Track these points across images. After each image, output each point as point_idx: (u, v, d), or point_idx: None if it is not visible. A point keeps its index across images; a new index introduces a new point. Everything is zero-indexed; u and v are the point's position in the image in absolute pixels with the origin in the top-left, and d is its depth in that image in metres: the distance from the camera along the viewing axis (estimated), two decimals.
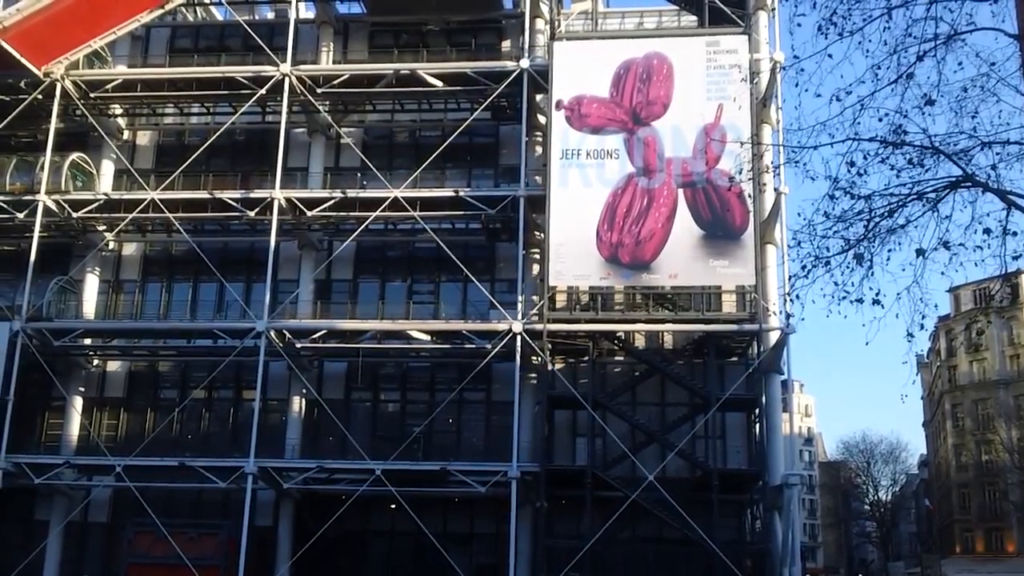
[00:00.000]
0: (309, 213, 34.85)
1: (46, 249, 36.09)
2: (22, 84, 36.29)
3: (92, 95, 36.91)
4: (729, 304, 33.80)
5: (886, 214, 10.78)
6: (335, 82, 35.72)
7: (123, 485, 33.30)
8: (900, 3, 10.76)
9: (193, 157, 36.05)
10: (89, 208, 35.88)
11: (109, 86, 36.81)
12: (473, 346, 33.33)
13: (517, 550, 31.14)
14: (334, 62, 38.21)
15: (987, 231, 10.50)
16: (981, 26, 10.67)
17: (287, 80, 35.09)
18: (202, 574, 31.31)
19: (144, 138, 40.52)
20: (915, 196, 10.71)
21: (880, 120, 10.89)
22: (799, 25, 11.40)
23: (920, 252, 10.49)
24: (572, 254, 32.34)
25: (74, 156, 37.22)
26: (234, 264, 37.49)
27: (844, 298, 10.85)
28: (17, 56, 34.65)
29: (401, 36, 39.65)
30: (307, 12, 39.53)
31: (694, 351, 34.24)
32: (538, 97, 35.61)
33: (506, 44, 38.63)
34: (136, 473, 33.35)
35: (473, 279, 34.22)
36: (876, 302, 10.61)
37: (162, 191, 35.49)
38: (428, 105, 37.94)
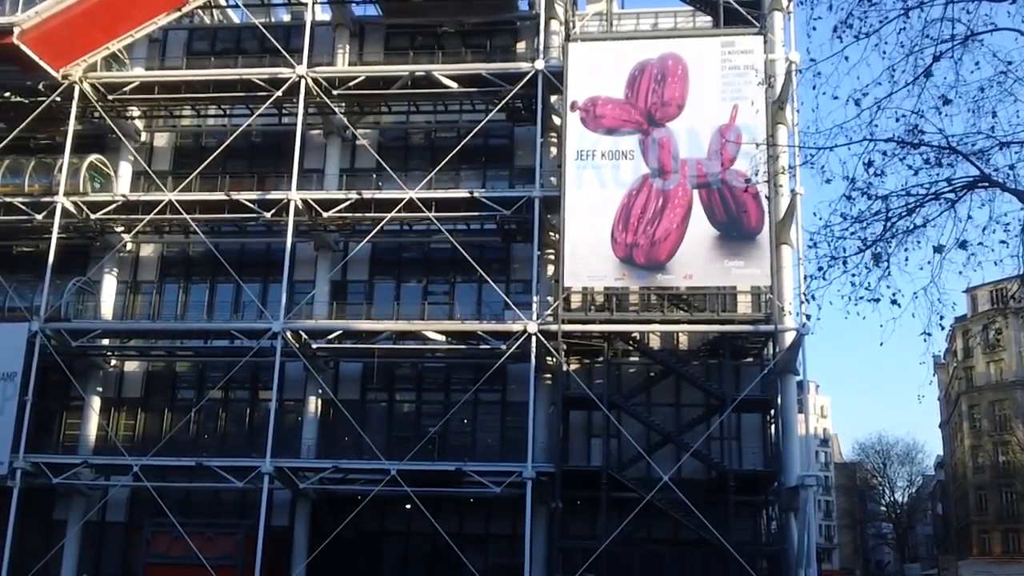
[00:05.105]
0: (325, 214, 34.99)
1: (64, 250, 36.34)
2: (40, 86, 36.61)
3: (110, 97, 37.18)
4: (744, 305, 33.80)
5: (904, 214, 10.78)
6: (351, 84, 35.85)
7: (140, 485, 33.57)
8: (916, 4, 10.75)
9: (210, 159, 36.22)
10: (107, 209, 36.12)
11: (127, 88, 37.05)
12: (488, 347, 33.40)
13: (532, 551, 31.18)
14: (350, 64, 38.37)
15: (1006, 228, 10.51)
16: (999, 27, 10.67)
17: (303, 82, 35.25)
18: (219, 574, 31.47)
19: (161, 140, 40.80)
20: (932, 196, 10.72)
21: (897, 120, 10.90)
22: (815, 29, 11.42)
23: (938, 249, 10.49)
24: (587, 255, 32.36)
25: (92, 158, 37.46)
26: (251, 265, 37.68)
27: (861, 298, 10.86)
28: (35, 59, 34.94)
29: (416, 38, 39.77)
30: (323, 14, 39.69)
31: (709, 352, 34.19)
32: (553, 98, 35.65)
33: (521, 46, 38.70)
34: (153, 473, 33.61)
35: (488, 280, 34.30)
36: (894, 302, 10.61)
37: (179, 193, 35.71)
38: (443, 106, 38.06)
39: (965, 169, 10.80)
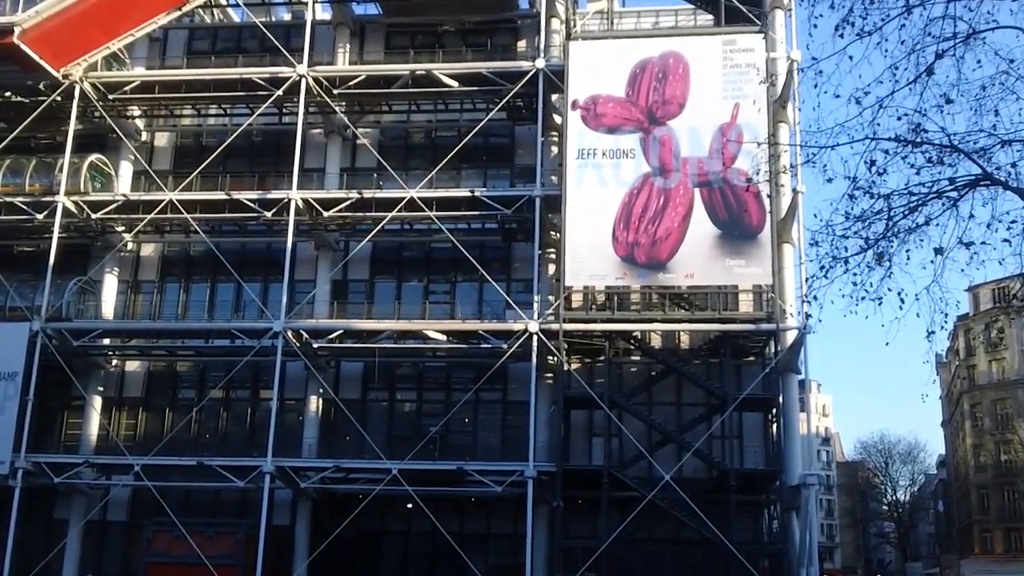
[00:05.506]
0: (326, 214, 34.96)
1: (65, 250, 36.33)
2: (41, 86, 36.62)
3: (110, 97, 37.16)
4: (746, 304, 33.72)
5: (906, 212, 10.75)
6: (351, 83, 35.81)
7: (142, 484, 33.56)
8: (918, 2, 10.71)
9: (211, 158, 36.21)
10: (108, 209, 36.11)
11: (127, 88, 37.04)
12: (489, 346, 33.36)
13: (533, 550, 31.15)
14: (350, 63, 38.34)
15: (1009, 227, 10.48)
16: (1001, 25, 10.62)
17: (304, 81, 35.21)
18: (220, 573, 31.48)
19: (162, 139, 40.78)
20: (935, 195, 10.68)
21: (899, 119, 10.86)
22: (816, 27, 11.37)
23: (939, 251, 10.45)
24: (588, 254, 32.31)
25: (93, 157, 37.44)
26: (251, 264, 37.66)
27: (864, 298, 10.83)
28: (36, 58, 34.92)
29: (417, 37, 39.72)
30: (323, 13, 39.61)
31: (710, 351, 34.16)
32: (554, 97, 35.59)
33: (522, 44, 38.66)
34: (154, 472, 33.58)
35: (489, 279, 34.28)
36: (902, 301, 10.59)
37: (180, 192, 35.70)
38: (444, 105, 38.01)
39: (967, 168, 10.78)
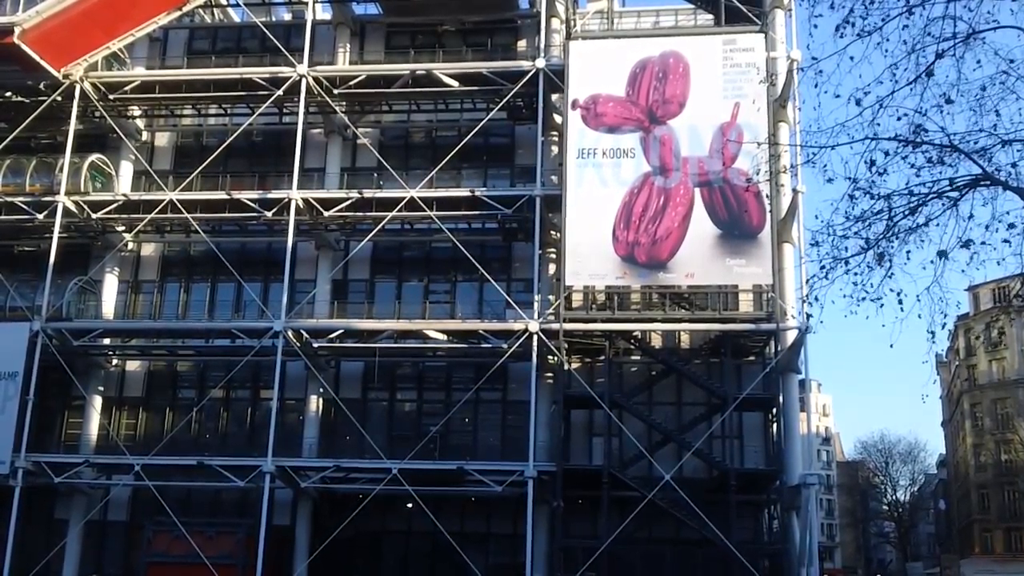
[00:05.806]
0: (326, 213, 34.97)
1: (66, 250, 36.36)
2: (41, 86, 36.64)
3: (111, 97, 37.17)
4: (746, 303, 33.74)
5: (907, 213, 10.75)
6: (352, 83, 35.82)
7: (142, 484, 33.55)
8: (919, 2, 10.70)
9: (211, 158, 36.21)
10: (108, 209, 36.12)
11: (128, 88, 37.04)
12: (489, 346, 33.38)
13: (534, 550, 31.15)
14: (351, 63, 38.35)
15: (1011, 226, 10.48)
16: (1001, 24, 10.62)
17: (304, 81, 35.21)
18: (220, 573, 31.48)
19: (162, 139, 40.79)
20: (935, 195, 10.69)
21: (899, 119, 10.86)
22: (816, 27, 11.37)
23: (942, 254, 10.45)
24: (588, 254, 32.31)
25: (93, 157, 37.45)
26: (252, 264, 37.68)
27: (864, 299, 10.84)
28: (36, 58, 34.94)
29: (417, 37, 39.73)
30: (324, 13, 39.62)
31: (711, 350, 34.16)
32: (554, 97, 35.59)
33: (522, 44, 38.66)
34: (155, 472, 33.57)
35: (489, 279, 34.28)
36: (900, 302, 10.59)
37: (180, 192, 35.70)
38: (444, 105, 38.02)
39: (967, 167, 10.78)
